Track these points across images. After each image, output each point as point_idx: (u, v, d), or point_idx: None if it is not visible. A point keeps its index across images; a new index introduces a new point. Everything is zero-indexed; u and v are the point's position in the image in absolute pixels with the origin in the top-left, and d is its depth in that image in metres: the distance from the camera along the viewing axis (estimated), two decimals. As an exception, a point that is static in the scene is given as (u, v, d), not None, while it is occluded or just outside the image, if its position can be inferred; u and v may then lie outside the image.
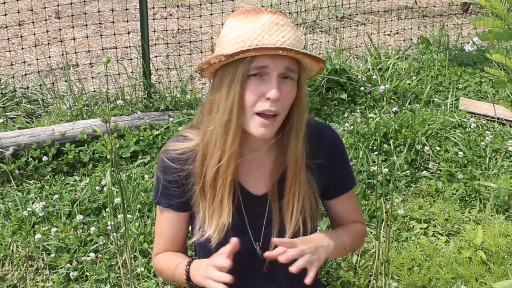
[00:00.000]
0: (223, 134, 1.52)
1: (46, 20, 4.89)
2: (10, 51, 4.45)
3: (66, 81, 3.97)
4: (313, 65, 1.55)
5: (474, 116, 3.72)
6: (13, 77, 4.13)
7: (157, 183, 1.67)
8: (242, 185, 1.62)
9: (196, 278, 1.54)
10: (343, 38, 4.67)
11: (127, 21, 4.57)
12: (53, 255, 2.54)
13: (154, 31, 4.85)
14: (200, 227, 1.62)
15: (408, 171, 3.16)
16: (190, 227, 1.73)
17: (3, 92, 3.87)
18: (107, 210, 2.81)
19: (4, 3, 4.25)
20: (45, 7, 4.84)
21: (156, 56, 4.73)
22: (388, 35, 5.43)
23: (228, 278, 1.43)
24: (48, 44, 4.38)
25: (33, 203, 2.83)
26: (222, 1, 5.08)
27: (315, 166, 1.65)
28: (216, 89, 1.52)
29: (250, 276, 1.66)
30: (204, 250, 1.64)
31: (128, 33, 4.63)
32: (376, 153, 3.26)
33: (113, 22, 4.39)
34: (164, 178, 1.63)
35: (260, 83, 1.48)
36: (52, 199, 2.87)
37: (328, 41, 5.06)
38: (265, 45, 1.44)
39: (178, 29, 5.36)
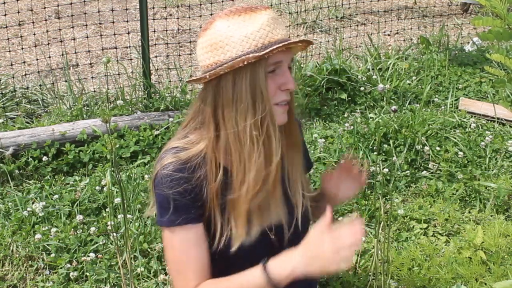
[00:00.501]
0: (262, 135, 1.48)
1: (46, 20, 4.89)
2: (10, 51, 4.46)
3: (66, 81, 3.97)
4: (297, 50, 1.60)
5: (474, 116, 3.73)
6: (13, 77, 4.13)
7: (164, 202, 1.53)
8: None
9: (308, 268, 1.40)
10: (343, 38, 4.67)
11: (127, 21, 4.57)
12: (53, 255, 2.54)
13: (154, 31, 4.85)
14: (220, 232, 1.55)
15: (408, 171, 3.16)
16: None
17: (3, 92, 3.87)
18: (107, 210, 2.81)
19: (4, 3, 4.25)
20: (45, 7, 4.84)
21: (156, 56, 4.73)
22: (388, 35, 5.43)
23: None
24: (48, 44, 4.39)
25: (33, 203, 2.83)
26: (222, 1, 5.08)
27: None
28: (229, 94, 1.47)
29: None
30: (224, 257, 1.58)
31: (128, 33, 4.63)
32: (376, 153, 3.26)
33: (113, 22, 4.39)
34: (174, 193, 1.52)
35: (275, 77, 1.49)
36: (52, 199, 2.87)
37: (328, 41, 5.06)
38: (281, 40, 1.47)
39: (178, 29, 5.37)
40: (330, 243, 1.38)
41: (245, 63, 1.43)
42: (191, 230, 1.53)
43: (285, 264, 1.44)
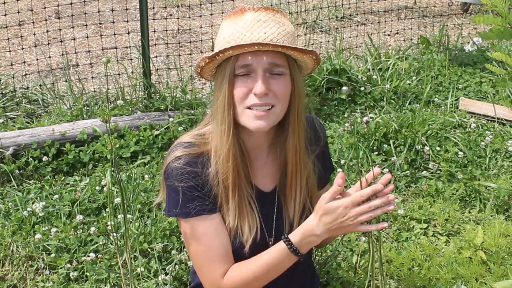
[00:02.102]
0: (220, 132, 1.54)
1: (46, 20, 4.89)
2: (10, 51, 4.45)
3: (66, 81, 3.96)
4: (304, 59, 1.56)
5: (474, 116, 3.72)
6: (13, 77, 4.13)
7: (176, 194, 1.56)
8: (253, 183, 1.63)
9: (331, 233, 1.50)
10: (343, 38, 4.67)
11: (127, 21, 4.57)
12: (53, 255, 2.54)
13: (154, 31, 4.85)
14: (231, 232, 1.59)
15: (408, 171, 3.16)
16: None
17: (3, 92, 3.87)
18: (107, 210, 2.81)
19: (4, 3, 4.25)
20: (45, 7, 4.84)
21: (156, 56, 4.73)
22: (388, 35, 5.42)
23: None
24: (48, 44, 4.38)
25: (33, 203, 2.82)
26: (222, 1, 5.08)
27: (319, 155, 1.72)
28: (215, 89, 1.58)
29: None
30: (237, 257, 1.61)
31: (128, 33, 4.63)
32: (376, 153, 3.26)
33: (113, 22, 4.39)
34: (185, 186, 1.55)
35: (247, 80, 1.51)
36: (52, 199, 2.86)
37: (328, 41, 5.06)
38: (242, 42, 1.48)
39: (178, 29, 5.36)
40: (345, 209, 1.47)
41: (202, 64, 1.53)
42: (207, 221, 1.56)
43: (304, 234, 1.52)
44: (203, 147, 1.59)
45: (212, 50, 1.58)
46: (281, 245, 1.53)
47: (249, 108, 1.51)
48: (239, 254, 1.60)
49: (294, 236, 1.53)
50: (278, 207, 1.66)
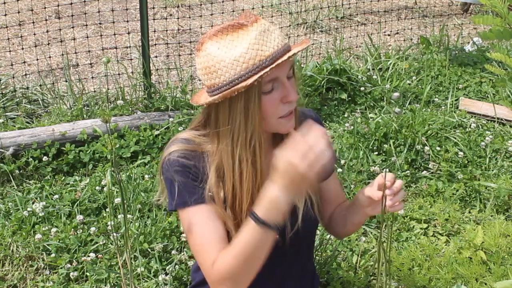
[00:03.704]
0: (252, 152, 1.52)
1: (46, 20, 4.89)
2: (10, 51, 4.45)
3: (66, 81, 3.96)
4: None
5: (474, 116, 3.72)
6: (13, 77, 4.13)
7: (173, 186, 1.56)
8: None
9: (291, 192, 1.42)
10: (343, 38, 4.67)
11: (127, 21, 4.57)
12: (53, 255, 2.54)
13: (154, 31, 4.85)
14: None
15: (408, 171, 3.16)
16: None
17: (3, 92, 3.87)
18: (107, 210, 2.81)
19: (4, 3, 4.25)
20: (45, 7, 4.84)
21: (156, 56, 4.73)
22: (388, 35, 5.42)
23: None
24: (48, 44, 4.39)
25: (33, 203, 2.83)
26: (222, 1, 5.08)
27: None
28: (226, 117, 1.51)
29: (271, 268, 1.65)
30: None
31: (128, 33, 4.63)
32: (376, 153, 3.26)
33: (113, 22, 4.39)
34: (181, 177, 1.55)
35: (274, 93, 1.50)
36: (52, 199, 2.86)
37: (328, 41, 5.06)
38: (272, 56, 1.45)
39: (178, 29, 5.37)
40: (296, 158, 1.38)
41: (236, 93, 1.45)
42: (204, 209, 1.55)
43: (268, 203, 1.43)
44: (201, 146, 1.59)
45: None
46: (250, 222, 1.46)
47: (281, 117, 1.52)
48: None
49: (257, 207, 1.46)
50: None
